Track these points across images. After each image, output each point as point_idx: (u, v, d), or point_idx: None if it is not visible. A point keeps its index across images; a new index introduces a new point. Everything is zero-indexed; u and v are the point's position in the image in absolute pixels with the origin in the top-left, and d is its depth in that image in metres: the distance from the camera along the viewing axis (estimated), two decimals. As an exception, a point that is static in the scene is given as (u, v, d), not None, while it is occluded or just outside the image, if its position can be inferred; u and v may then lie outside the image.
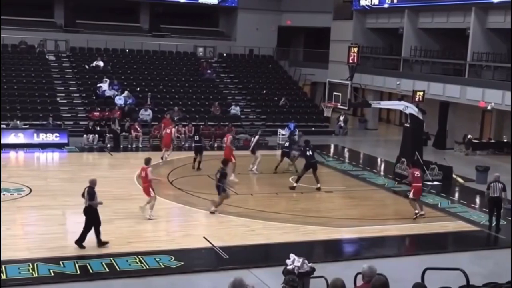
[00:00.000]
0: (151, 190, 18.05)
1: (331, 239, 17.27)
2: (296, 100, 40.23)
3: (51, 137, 29.72)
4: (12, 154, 27.82)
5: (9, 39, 38.13)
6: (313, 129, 36.43)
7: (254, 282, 12.09)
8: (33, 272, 13.42)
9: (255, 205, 19.92)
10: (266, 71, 42.84)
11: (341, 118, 37.96)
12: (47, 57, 38.52)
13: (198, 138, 26.65)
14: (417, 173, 19.51)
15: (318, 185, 22.42)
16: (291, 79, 42.94)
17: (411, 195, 19.25)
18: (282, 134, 33.21)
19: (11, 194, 20.18)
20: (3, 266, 13.34)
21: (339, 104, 26.19)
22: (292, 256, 12.17)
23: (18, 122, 30.27)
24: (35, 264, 13.73)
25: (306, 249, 15.81)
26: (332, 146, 34.00)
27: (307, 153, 22.79)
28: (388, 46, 40.77)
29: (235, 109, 36.12)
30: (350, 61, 26.34)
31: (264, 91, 39.93)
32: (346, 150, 33.16)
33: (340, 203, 21.47)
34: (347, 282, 7.80)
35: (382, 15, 39.53)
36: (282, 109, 38.08)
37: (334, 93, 26.56)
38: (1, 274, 12.83)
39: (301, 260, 12.00)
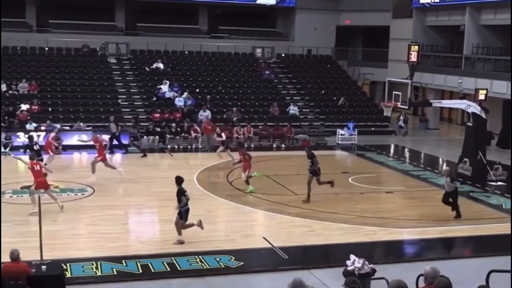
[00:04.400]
0: None
1: (391, 240, 17.04)
2: (355, 99, 39.90)
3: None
4: (75, 155, 28.49)
5: (72, 43, 39.11)
6: (372, 129, 36.09)
7: (314, 282, 12.03)
8: (97, 271, 13.67)
9: (314, 205, 19.82)
10: (325, 71, 42.64)
11: (401, 117, 37.45)
12: (108, 60, 39.29)
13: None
14: None
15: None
16: (350, 79, 42.62)
17: None
18: (341, 134, 32.99)
19: (75, 194, 20.65)
20: (68, 264, 13.64)
21: (399, 104, 25.84)
22: (352, 257, 12.07)
23: (81, 124, 30.96)
24: (98, 263, 13.99)
25: (366, 250, 15.65)
26: (392, 146, 33.57)
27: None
28: (449, 44, 40.04)
29: (293, 110, 36.06)
30: (410, 59, 25.96)
31: (323, 91, 39.75)
32: (406, 150, 32.71)
33: (401, 203, 21.17)
34: (408, 284, 7.68)
35: (442, 12, 38.83)
36: (341, 109, 37.83)
37: (394, 92, 26.22)
38: (66, 273, 13.09)
39: (361, 261, 11.88)
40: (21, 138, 29.00)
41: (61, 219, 17.65)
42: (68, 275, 13.10)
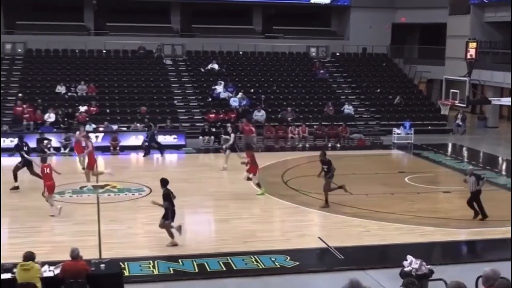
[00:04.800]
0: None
1: (449, 241, 16.74)
2: (412, 98, 39.35)
3: (169, 139, 30.64)
4: (132, 155, 28.92)
5: (129, 45, 39.73)
6: (429, 127, 35.53)
7: (370, 283, 11.91)
8: (154, 270, 13.84)
9: (370, 205, 19.63)
10: (380, 70, 42.20)
11: (459, 116, 36.75)
12: (164, 61, 39.76)
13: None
14: None
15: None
16: (406, 77, 42.07)
17: None
18: (397, 133, 32.60)
19: (132, 194, 20.96)
20: (126, 263, 13.85)
21: (456, 102, 25.43)
22: (409, 257, 11.92)
23: (138, 125, 31.41)
24: (155, 262, 14.16)
25: (423, 250, 15.40)
26: (450, 145, 32.97)
27: None
28: (508, 40, 39.07)
29: (348, 109, 35.80)
30: (468, 56, 25.51)
31: (378, 90, 39.35)
32: (464, 149, 32.08)
33: (458, 203, 20.71)
34: (468, 285, 7.52)
35: (501, 8, 37.90)
36: (397, 108, 37.37)
37: (452, 90, 25.81)
38: (124, 271, 13.28)
39: (418, 262, 11.72)
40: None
41: (119, 219, 17.94)
42: (126, 273, 13.30)
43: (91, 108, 33.14)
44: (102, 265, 12.12)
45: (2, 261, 12.12)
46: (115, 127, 31.06)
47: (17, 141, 23.97)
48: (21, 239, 15.63)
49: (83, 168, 23.28)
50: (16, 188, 21.37)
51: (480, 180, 18.18)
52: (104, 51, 39.82)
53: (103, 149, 28.76)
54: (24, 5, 41.16)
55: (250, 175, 21.18)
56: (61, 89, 34.94)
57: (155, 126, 29.78)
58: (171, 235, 15.60)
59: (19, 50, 39.00)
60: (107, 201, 19.95)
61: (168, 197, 15.50)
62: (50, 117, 31.48)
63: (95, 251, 14.73)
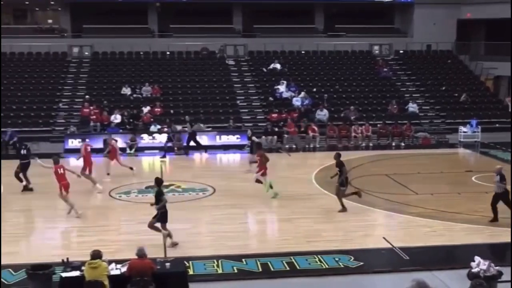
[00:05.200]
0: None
1: (519, 242, 16.27)
2: (478, 95, 38.43)
3: (233, 139, 30.84)
4: (196, 155, 29.21)
5: (192, 46, 40.16)
6: (497, 125, 34.62)
7: (437, 284, 11.70)
8: (218, 269, 13.93)
9: (436, 205, 19.27)
10: (445, 67, 41.37)
11: (528, 113, 35.73)
12: (226, 62, 40.02)
13: None
14: None
15: None
16: (472, 74, 41.12)
17: None
18: (464, 132, 31.91)
19: (196, 194, 21.17)
20: (190, 262, 13.98)
21: (525, 99, 24.69)
22: (477, 258, 11.64)
23: (201, 125, 31.72)
24: (219, 261, 14.24)
25: (492, 251, 15.04)
26: (519, 143, 32.06)
27: None
28: None
29: (412, 107, 35.25)
30: (538, 52, 24.73)
31: (443, 87, 38.59)
32: (534, 147, 31.15)
33: (529, 203, 20.15)
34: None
35: None
36: (463, 106, 36.57)
37: (520, 86, 25.06)
38: (188, 270, 13.41)
39: (487, 263, 11.44)
40: (145, 140, 30.16)
41: (183, 218, 18.11)
42: (191, 272, 13.43)
43: (156, 109, 33.63)
44: (167, 264, 12.27)
45: (71, 259, 12.42)
46: (179, 127, 31.43)
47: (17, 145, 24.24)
48: (88, 238, 15.98)
49: (108, 174, 23.76)
50: (29, 189, 21.84)
51: (504, 180, 17.41)
52: (168, 53, 40.37)
53: (167, 149, 29.17)
54: (91, 9, 42.10)
55: (259, 175, 20.92)
56: (126, 90, 35.61)
57: (196, 125, 30.31)
58: (156, 230, 15.56)
59: (86, 53, 39.96)
60: (172, 200, 20.07)
61: (161, 196, 15.49)
62: (116, 118, 32.13)
63: (160, 250, 14.91)
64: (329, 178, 19.92)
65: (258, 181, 20.89)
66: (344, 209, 18.76)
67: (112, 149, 24.36)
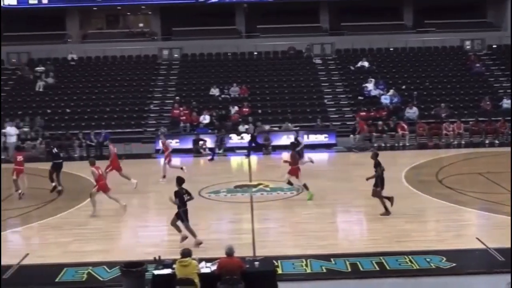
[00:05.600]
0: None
1: None
2: None
3: (320, 138, 30.71)
4: (284, 155, 29.22)
5: (279, 46, 40.28)
6: None
7: (534, 287, 11.24)
8: (306, 268, 13.89)
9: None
10: (542, 61, 39.75)
11: None
12: (314, 60, 39.89)
13: None
14: None
15: None
16: None
17: None
18: None
19: (284, 193, 21.19)
20: (279, 261, 14.00)
21: None
22: None
23: (289, 124, 31.75)
24: (308, 261, 14.20)
25: None
26: None
27: None
28: None
29: (507, 103, 34.01)
30: None
31: (540, 82, 37.10)
32: None
33: None
34: None
35: None
36: (561, 101, 35.02)
37: None
38: (277, 269, 13.43)
39: None
40: (234, 140, 30.47)
41: (272, 218, 18.22)
42: (279, 271, 13.45)
43: (244, 109, 33.92)
44: (256, 263, 12.34)
45: (163, 257, 12.68)
46: (267, 127, 31.59)
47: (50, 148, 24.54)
48: (179, 236, 16.23)
49: (164, 177, 23.62)
50: (57, 190, 22.19)
51: None
52: (255, 53, 40.63)
53: (255, 149, 29.41)
54: (180, 12, 42.91)
55: (289, 176, 20.59)
56: (214, 91, 36.08)
57: (258, 127, 30.33)
58: (178, 230, 15.71)
59: (176, 55, 40.79)
60: (260, 200, 20.33)
61: (180, 196, 15.58)
62: (205, 118, 32.62)
63: (249, 249, 15.02)
64: (434, 177, 19.47)
65: (289, 182, 20.72)
66: (387, 212, 18.11)
67: (165, 149, 24.40)
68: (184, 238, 15.58)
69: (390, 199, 18.18)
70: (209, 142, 30.09)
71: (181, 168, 23.52)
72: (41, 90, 37.06)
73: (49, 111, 34.91)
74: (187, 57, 40.90)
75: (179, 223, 15.68)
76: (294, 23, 41.90)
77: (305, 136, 30.61)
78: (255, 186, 22.21)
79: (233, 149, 29.57)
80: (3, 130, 30.71)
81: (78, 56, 40.68)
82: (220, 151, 29.67)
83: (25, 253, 15.23)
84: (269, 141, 29.90)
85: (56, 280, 13.53)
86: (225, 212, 18.81)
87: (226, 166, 25.38)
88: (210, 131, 31.67)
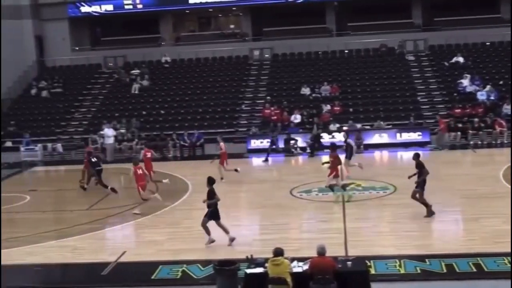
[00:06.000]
0: None
1: None
2: None
3: (414, 136, 30.13)
4: (376, 153, 28.89)
5: (370, 43, 39.80)
6: None
7: None
8: (400, 269, 13.63)
9: None
10: None
11: None
12: (406, 57, 39.18)
13: None
14: None
15: None
16: None
17: None
18: None
19: (377, 192, 20.91)
20: (372, 261, 13.82)
21: None
22: None
23: (381, 122, 31.34)
24: (401, 261, 13.93)
25: None
26: None
27: None
28: None
29: None
30: None
31: None
32: None
33: None
34: None
35: None
36: None
37: None
38: (370, 269, 13.25)
39: None
40: (325, 139, 30.31)
41: (364, 217, 18.01)
42: (372, 271, 13.27)
43: (335, 108, 33.73)
44: (349, 263, 12.22)
45: (255, 256, 12.75)
46: (358, 125, 31.29)
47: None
48: (271, 235, 16.34)
49: (221, 178, 23.46)
50: (84, 188, 23.08)
51: None
52: (346, 51, 40.34)
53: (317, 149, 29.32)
54: (270, 12, 43.17)
55: (331, 178, 20.12)
56: (305, 90, 36.06)
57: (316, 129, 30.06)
58: (206, 231, 15.82)
59: (266, 55, 41.03)
60: (352, 199, 20.14)
61: (213, 194, 15.69)
62: (296, 118, 32.64)
63: (341, 249, 14.90)
64: None
65: (331, 186, 20.26)
66: (430, 213, 17.55)
67: (222, 152, 24.42)
68: (211, 241, 15.86)
69: (428, 206, 17.69)
70: (300, 141, 30.08)
71: (236, 170, 23.79)
72: (136, 92, 38.18)
73: (144, 112, 35.92)
74: (277, 57, 41.06)
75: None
76: (386, 20, 41.29)
77: (398, 134, 30.13)
78: (347, 185, 22.00)
79: (323, 148, 29.37)
80: (101, 132, 31.78)
81: (172, 59, 41.66)
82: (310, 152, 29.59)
83: (123, 251, 15.70)
84: (361, 140, 29.57)
85: (152, 277, 13.88)
86: (316, 212, 18.75)
87: (317, 165, 25.23)
88: (301, 130, 31.65)
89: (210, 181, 16.06)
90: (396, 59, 39.14)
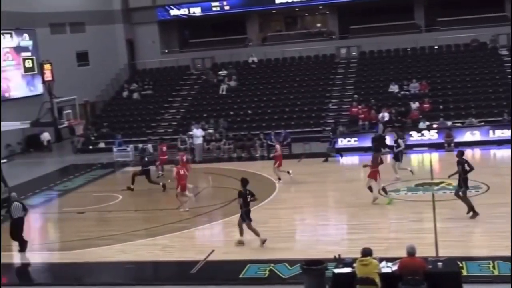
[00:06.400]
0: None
1: None
2: None
3: (507, 133, 29.06)
4: (468, 151, 28.05)
5: (460, 38, 38.77)
6: None
7: None
8: (494, 270, 13.22)
9: None
10: None
11: None
12: (499, 52, 37.90)
13: None
14: None
15: None
16: None
17: None
18: None
19: (469, 192, 20.28)
20: (463, 262, 13.44)
21: None
22: None
23: (473, 120, 30.49)
24: (495, 262, 13.51)
25: None
26: None
27: None
28: None
29: None
30: None
31: None
32: None
33: None
34: None
35: None
36: None
37: None
38: (462, 271, 12.89)
39: None
40: (414, 137, 29.72)
41: (455, 217, 17.53)
42: (464, 273, 12.91)
43: (424, 105, 33.05)
44: (439, 263, 11.96)
45: (343, 256, 12.65)
46: (449, 123, 30.52)
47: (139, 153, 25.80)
48: (359, 235, 16.18)
49: (279, 179, 23.73)
50: (131, 189, 23.62)
51: None
52: (436, 47, 39.47)
53: (437, 146, 28.55)
54: (357, 10, 42.77)
55: (369, 180, 19.46)
56: (393, 88, 35.51)
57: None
58: (242, 233, 16.06)
59: (353, 53, 40.67)
60: (443, 198, 19.67)
61: (244, 196, 15.86)
62: (384, 116, 32.15)
63: (432, 249, 14.59)
64: None
65: (370, 188, 19.60)
66: (474, 214, 17.13)
67: (277, 154, 24.38)
68: (240, 243, 16.12)
69: (474, 210, 17.28)
70: (388, 139, 29.59)
71: (288, 172, 23.73)
72: (224, 93, 38.65)
73: (231, 113, 36.32)
74: (365, 55, 40.63)
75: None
76: (477, 14, 40.06)
77: (490, 132, 29.17)
78: (437, 184, 21.50)
79: (411, 147, 28.75)
80: (189, 132, 32.32)
81: (258, 59, 41.95)
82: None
83: (211, 249, 15.91)
84: (452, 137, 28.80)
85: (240, 276, 14.00)
86: (405, 211, 18.41)
87: (406, 163, 24.77)
88: (389, 128, 31.13)
89: (244, 182, 16.34)
90: (489, 54, 37.95)
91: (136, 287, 14.40)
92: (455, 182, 21.26)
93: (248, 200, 16.09)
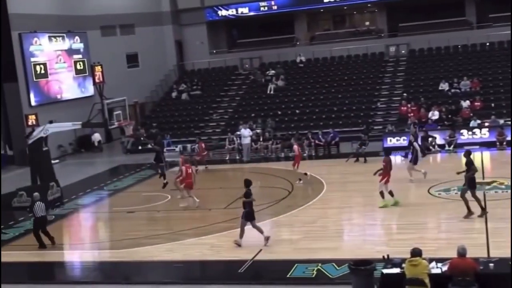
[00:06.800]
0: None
1: None
2: None
3: None
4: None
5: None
6: None
7: None
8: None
9: None
10: None
11: None
12: (553, 48, 37.00)
13: None
14: None
15: None
16: None
17: None
18: None
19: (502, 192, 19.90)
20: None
21: None
22: None
23: (526, 118, 29.82)
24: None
25: None
26: None
27: None
28: None
29: None
30: None
31: None
32: None
33: None
34: None
35: None
36: None
37: None
38: None
39: None
40: (465, 136, 29.23)
41: (507, 217, 17.11)
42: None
43: (475, 103, 32.47)
44: (491, 264, 11.74)
45: (391, 256, 12.51)
46: (501, 121, 29.90)
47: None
48: (408, 235, 15.98)
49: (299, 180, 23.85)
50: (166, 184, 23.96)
51: None
52: (488, 44, 38.72)
53: (488, 145, 28.00)
54: (406, 7, 42.28)
55: (382, 183, 19.09)
56: (444, 86, 34.98)
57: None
58: (242, 231, 16.25)
59: (403, 51, 40.20)
60: (495, 198, 19.26)
61: (249, 196, 16.25)
62: (434, 114, 31.70)
63: (483, 250, 14.31)
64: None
65: (381, 192, 19.18)
66: (483, 212, 17.07)
67: (295, 155, 24.64)
68: (237, 243, 16.29)
69: (484, 210, 17.17)
70: (439, 138, 29.18)
71: (305, 174, 23.79)
72: (272, 92, 38.67)
73: (279, 112, 36.30)
74: (414, 53, 40.12)
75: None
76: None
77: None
78: (488, 183, 21.06)
79: (462, 146, 28.24)
80: (237, 132, 32.43)
81: (306, 58, 41.83)
82: (450, 148, 28.60)
83: (259, 249, 15.92)
84: (504, 136, 28.21)
85: (287, 275, 13.97)
86: (456, 211, 18.06)
87: (456, 163, 24.34)
88: (439, 127, 30.70)
89: (247, 183, 16.59)
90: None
91: (184, 286, 14.51)
92: (507, 181, 20.93)
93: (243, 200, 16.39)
